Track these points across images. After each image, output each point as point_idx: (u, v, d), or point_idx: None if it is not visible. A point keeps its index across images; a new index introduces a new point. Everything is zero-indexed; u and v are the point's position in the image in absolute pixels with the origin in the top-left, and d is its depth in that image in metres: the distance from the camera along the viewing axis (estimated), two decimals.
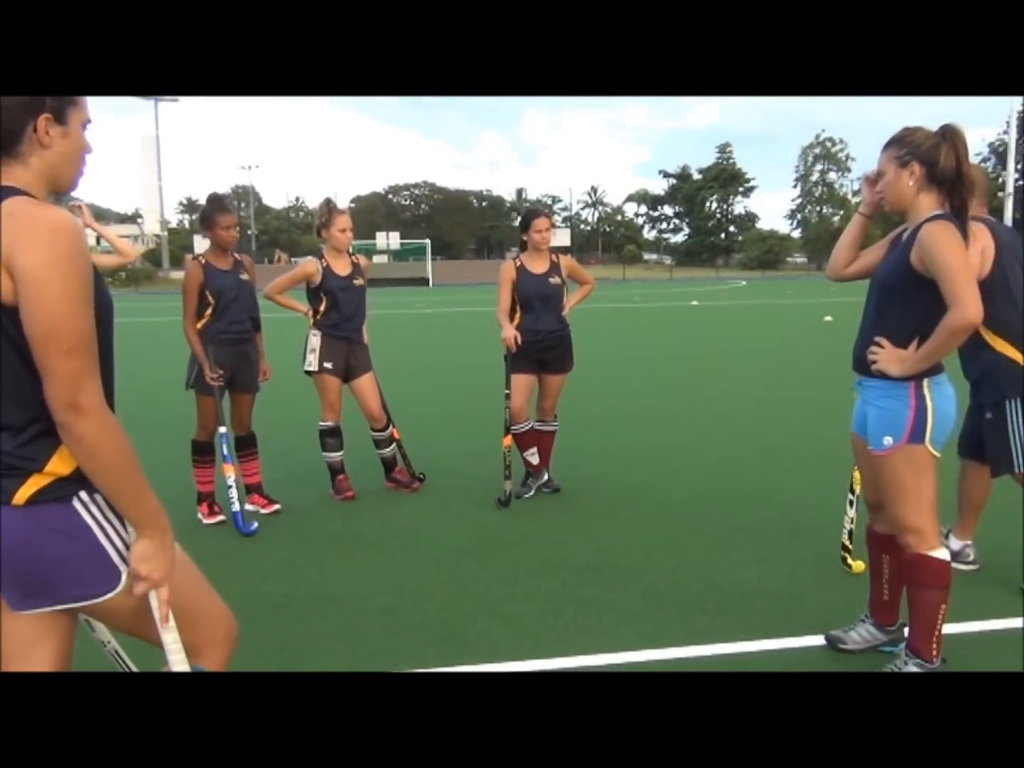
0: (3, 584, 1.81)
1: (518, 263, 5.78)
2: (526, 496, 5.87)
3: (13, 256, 1.64)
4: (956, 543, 4.41)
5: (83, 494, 1.80)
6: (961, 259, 2.93)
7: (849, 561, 4.33)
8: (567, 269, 5.86)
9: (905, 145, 3.09)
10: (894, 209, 3.22)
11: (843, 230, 3.56)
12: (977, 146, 68.14)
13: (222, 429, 5.44)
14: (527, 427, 5.81)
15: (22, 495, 1.75)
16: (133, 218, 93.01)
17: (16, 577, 1.80)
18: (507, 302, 5.73)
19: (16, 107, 1.73)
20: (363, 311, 5.93)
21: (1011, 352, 3.93)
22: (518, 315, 5.72)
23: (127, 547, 1.84)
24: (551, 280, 5.74)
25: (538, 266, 5.76)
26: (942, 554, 3.14)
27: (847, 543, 4.37)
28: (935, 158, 3.05)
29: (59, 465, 1.77)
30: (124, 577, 1.83)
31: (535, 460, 5.89)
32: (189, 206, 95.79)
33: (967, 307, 2.87)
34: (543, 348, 5.72)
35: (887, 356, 3.09)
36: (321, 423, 5.89)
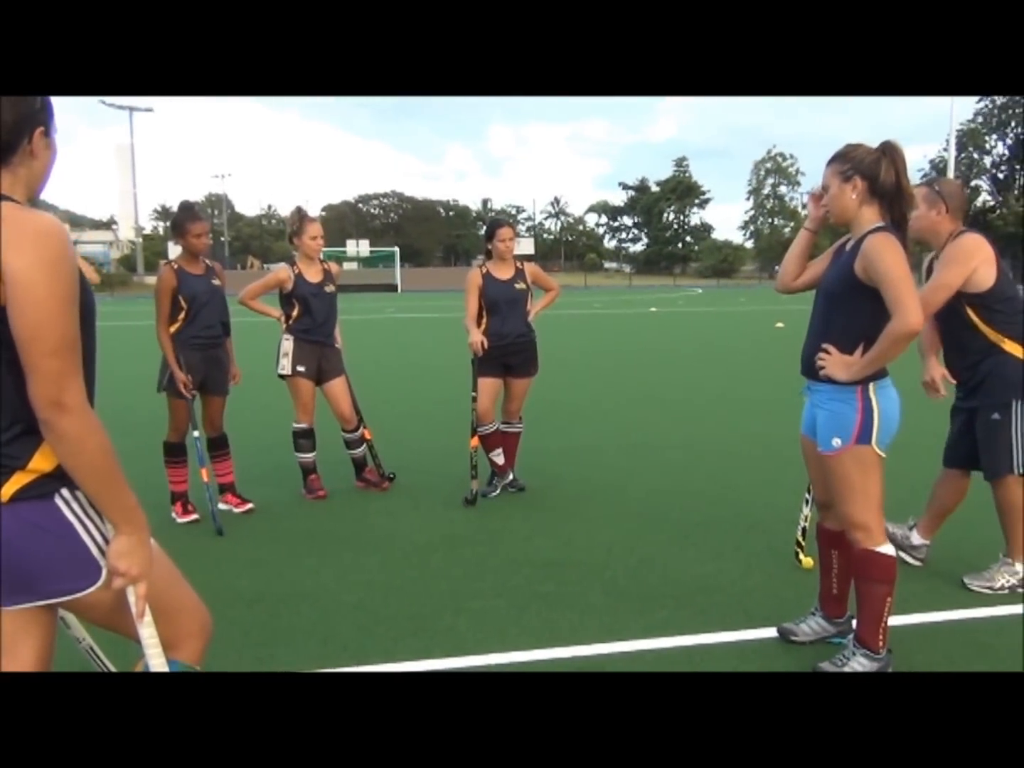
0: None
1: (484, 270, 5.78)
2: (492, 495, 5.86)
3: (1, 259, 1.63)
4: (918, 539, 4.45)
5: (64, 491, 1.78)
6: (903, 269, 2.98)
7: (801, 557, 4.37)
8: (532, 276, 5.86)
9: (848, 160, 3.14)
10: (838, 222, 3.26)
11: (793, 241, 3.61)
12: (918, 162, 69.18)
13: (196, 433, 5.38)
14: (493, 428, 5.81)
15: (6, 492, 1.73)
16: (108, 225, 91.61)
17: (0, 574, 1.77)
18: (474, 307, 5.72)
19: (18, 121, 1.75)
20: (334, 316, 5.89)
21: (1020, 353, 3.91)
22: (485, 320, 5.72)
23: (107, 543, 1.82)
24: (516, 286, 5.75)
25: (503, 272, 5.76)
26: (888, 550, 3.18)
27: (800, 540, 4.41)
28: (876, 172, 3.10)
29: (41, 462, 1.75)
30: (104, 572, 1.81)
31: (500, 460, 5.88)
32: (163, 213, 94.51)
33: (909, 315, 2.91)
34: (509, 352, 5.72)
35: (834, 362, 3.12)
36: (295, 424, 5.84)
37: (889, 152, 3.11)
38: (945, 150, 63.72)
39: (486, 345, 5.57)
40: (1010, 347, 3.92)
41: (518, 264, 5.83)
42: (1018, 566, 4.09)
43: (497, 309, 5.71)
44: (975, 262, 3.85)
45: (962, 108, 74.82)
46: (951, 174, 59.16)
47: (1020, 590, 4.06)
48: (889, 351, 3.00)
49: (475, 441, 5.76)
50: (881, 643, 3.18)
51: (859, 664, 3.18)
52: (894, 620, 3.27)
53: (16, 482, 1.74)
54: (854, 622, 3.31)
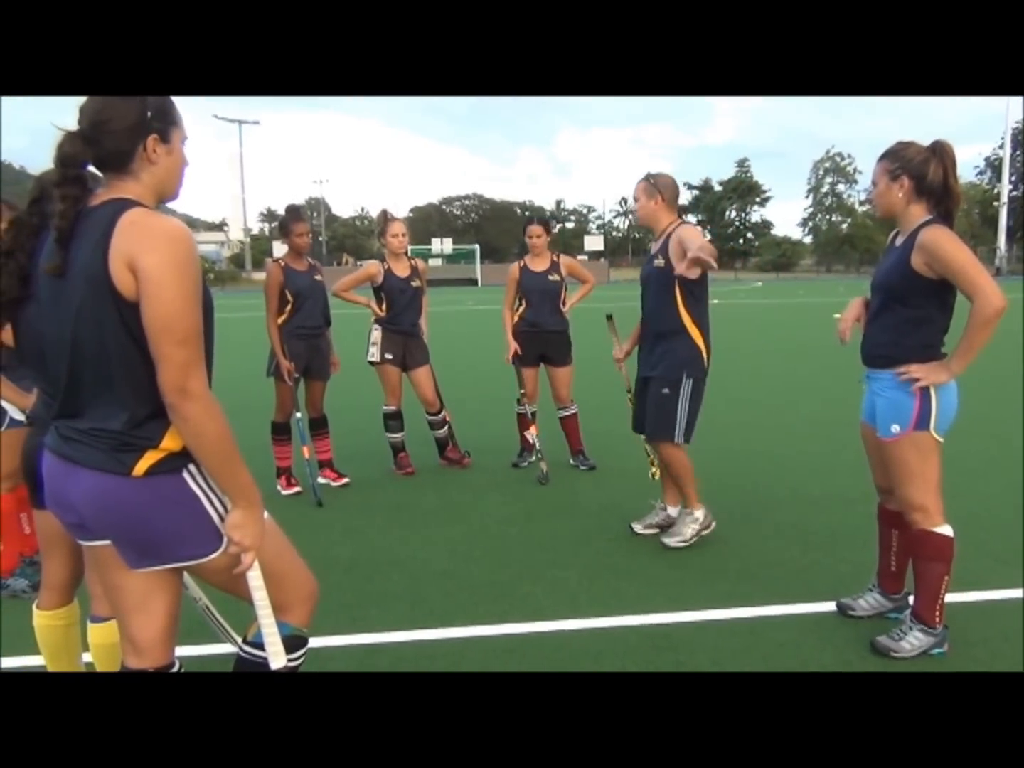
0: (122, 545, 1.85)
1: (521, 263, 5.98)
2: (522, 466, 6.05)
3: (136, 259, 1.68)
4: (672, 510, 4.56)
5: (191, 467, 1.82)
6: (967, 254, 2.86)
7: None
8: (567, 268, 5.99)
9: (897, 159, 3.02)
10: (884, 216, 3.16)
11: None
12: (974, 160, 66.44)
13: (298, 414, 5.49)
14: (527, 411, 5.96)
15: (140, 467, 1.77)
16: (220, 226, 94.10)
17: (133, 539, 1.83)
18: (511, 297, 6.02)
19: (127, 131, 1.78)
20: (418, 309, 5.93)
21: (700, 341, 4.28)
22: (522, 307, 5.94)
23: (228, 513, 1.86)
24: (550, 277, 5.89)
25: (539, 265, 5.92)
26: (945, 530, 3.06)
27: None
28: (924, 172, 2.97)
29: (171, 442, 1.79)
30: (225, 541, 1.85)
31: (531, 440, 5.95)
32: (269, 215, 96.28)
33: (990, 295, 2.79)
34: (542, 342, 5.88)
35: (930, 370, 2.95)
36: (384, 407, 5.92)
37: (939, 152, 2.97)
38: (1000, 148, 61.09)
39: (520, 352, 5.85)
40: (692, 331, 4.25)
41: (554, 257, 5.98)
42: (697, 512, 4.32)
43: (531, 298, 5.88)
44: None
45: (1017, 107, 71.32)
46: (1006, 171, 56.80)
47: (705, 532, 4.32)
48: (980, 335, 2.85)
49: (535, 429, 5.91)
50: (938, 619, 3.07)
51: (916, 639, 3.08)
52: (950, 597, 3.15)
53: (149, 459, 1.78)
54: (911, 598, 3.20)
